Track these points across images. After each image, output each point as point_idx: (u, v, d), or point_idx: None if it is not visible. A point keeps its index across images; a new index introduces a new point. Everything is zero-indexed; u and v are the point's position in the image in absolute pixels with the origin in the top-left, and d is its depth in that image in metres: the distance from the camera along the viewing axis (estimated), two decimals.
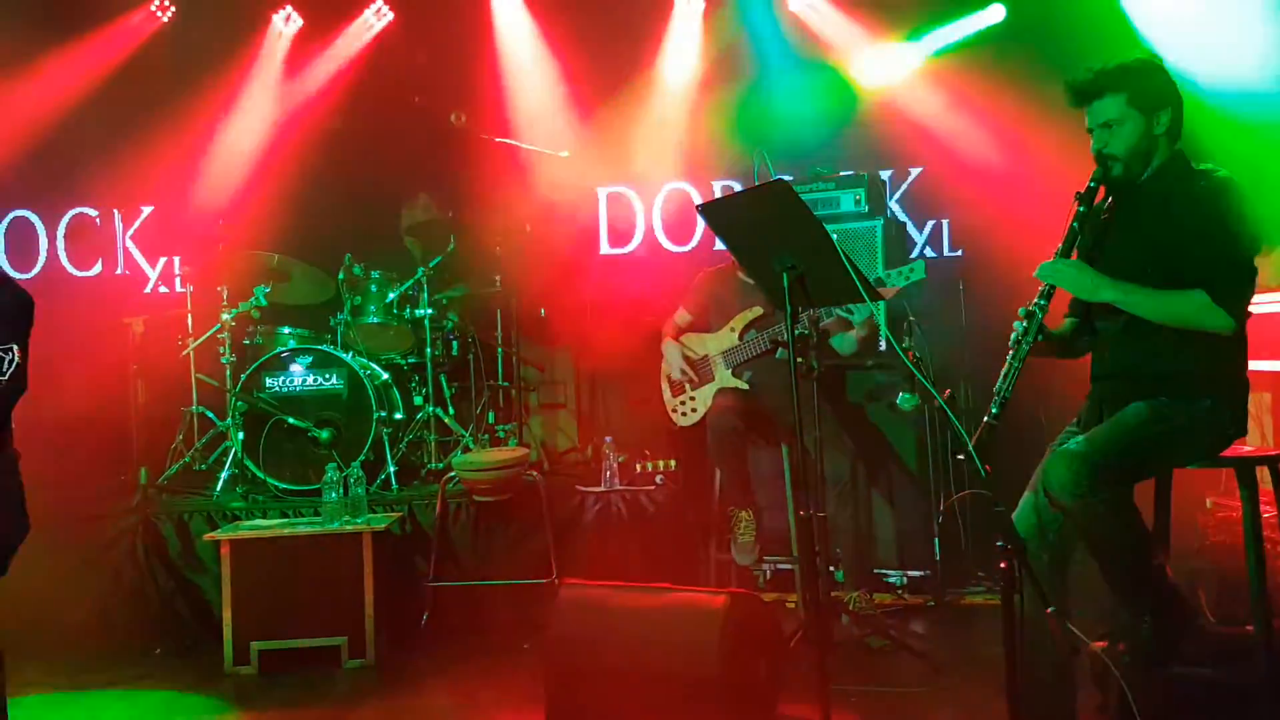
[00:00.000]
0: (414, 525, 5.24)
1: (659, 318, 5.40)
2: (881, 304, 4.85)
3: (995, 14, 6.55)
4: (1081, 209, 3.21)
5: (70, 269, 7.21)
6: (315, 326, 6.08)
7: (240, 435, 5.53)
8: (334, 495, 4.78)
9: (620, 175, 7.07)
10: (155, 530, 5.19)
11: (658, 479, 5.45)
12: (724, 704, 3.38)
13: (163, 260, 7.25)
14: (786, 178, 5.47)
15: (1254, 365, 3.28)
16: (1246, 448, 3.42)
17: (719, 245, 6.59)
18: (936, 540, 5.19)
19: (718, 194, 6.91)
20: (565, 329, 6.89)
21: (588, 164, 6.56)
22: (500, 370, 6.42)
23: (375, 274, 5.98)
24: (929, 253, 6.84)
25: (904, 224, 6.62)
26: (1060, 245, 3.22)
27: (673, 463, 5.59)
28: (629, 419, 6.66)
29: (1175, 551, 3.54)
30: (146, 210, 7.21)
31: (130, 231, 7.23)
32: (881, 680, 4.05)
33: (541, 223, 6.77)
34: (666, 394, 5.27)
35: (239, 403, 5.54)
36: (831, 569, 4.81)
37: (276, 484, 5.46)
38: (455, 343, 6.23)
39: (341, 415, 5.51)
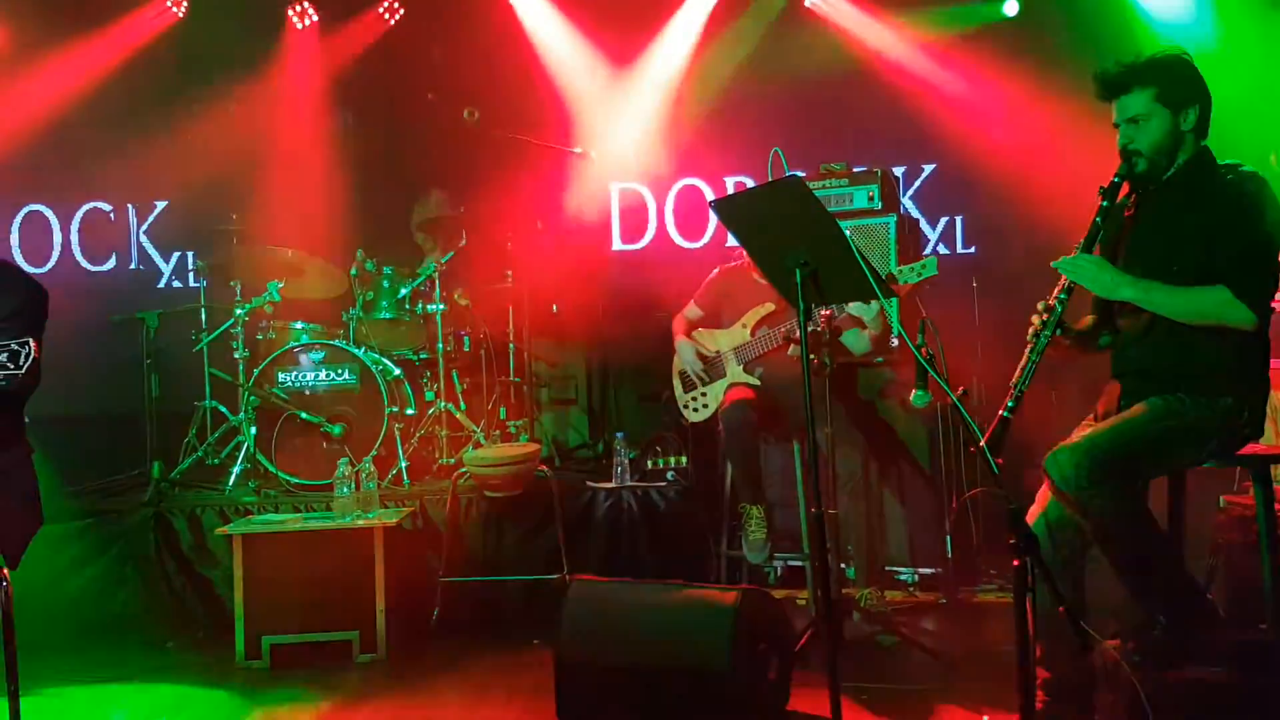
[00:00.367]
0: (425, 520, 5.25)
1: (670, 314, 5.40)
2: (894, 300, 4.84)
3: (1010, 7, 6.54)
4: (1105, 204, 3.19)
5: (84, 263, 7.25)
6: (328, 321, 6.09)
7: (253, 430, 5.54)
8: (346, 490, 4.79)
9: (632, 171, 7.07)
10: (168, 524, 5.21)
11: (669, 475, 5.45)
12: (734, 701, 3.37)
13: (176, 255, 7.27)
14: (800, 174, 5.46)
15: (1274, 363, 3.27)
16: (1258, 446, 3.40)
17: (731, 242, 6.59)
18: (948, 537, 5.17)
19: (730, 190, 6.90)
20: (577, 325, 6.90)
21: (600, 160, 6.56)
22: (512, 366, 6.42)
23: (387, 269, 5.99)
24: (942, 249, 6.83)
25: (917, 221, 6.60)
26: (1082, 240, 3.20)
27: (684, 459, 5.59)
28: (640, 415, 6.66)
29: (1189, 551, 3.53)
30: (160, 205, 7.24)
31: (144, 226, 7.26)
32: (892, 678, 4.04)
33: (553, 219, 6.78)
34: (678, 390, 5.26)
35: (252, 397, 5.55)
36: (843, 566, 4.80)
37: (289, 478, 5.47)
38: (467, 338, 6.23)
39: (354, 410, 5.52)
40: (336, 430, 5.44)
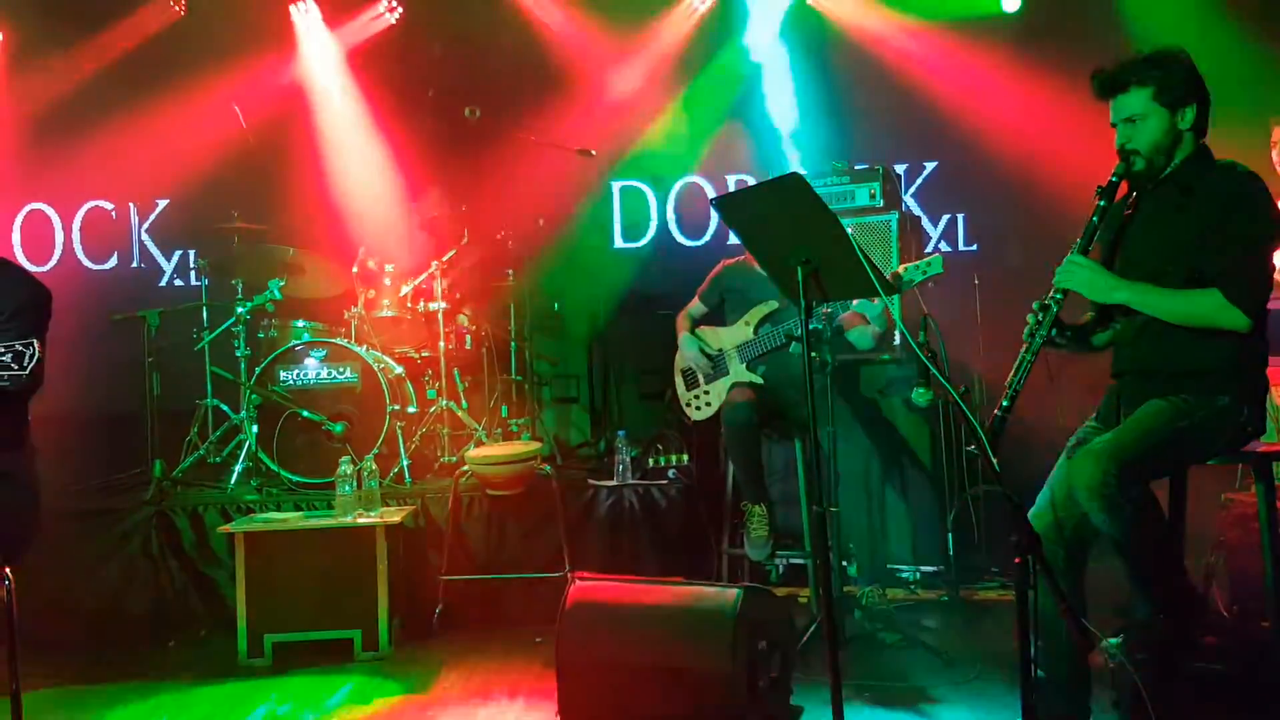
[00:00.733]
0: (427, 519, 5.25)
1: (672, 312, 5.40)
2: (896, 298, 4.84)
3: (1010, 3, 6.54)
4: (1102, 203, 3.19)
5: (86, 262, 7.25)
6: (329, 320, 6.09)
7: (254, 428, 5.54)
8: (347, 488, 4.79)
9: (634, 169, 7.07)
10: (170, 523, 5.21)
11: (670, 473, 5.45)
12: (736, 698, 3.37)
13: (178, 253, 7.28)
14: (801, 171, 5.46)
15: (1271, 362, 3.26)
16: (1261, 444, 3.40)
17: (733, 239, 6.59)
18: (950, 535, 5.18)
19: (732, 188, 6.90)
20: (578, 323, 6.90)
21: (602, 157, 6.56)
22: (513, 364, 6.42)
23: (389, 267, 5.99)
24: (944, 247, 6.83)
25: (919, 218, 6.60)
26: (1078, 240, 3.20)
27: (685, 457, 5.59)
28: (642, 413, 6.67)
29: (1190, 548, 3.53)
30: (162, 203, 7.24)
31: (145, 225, 7.27)
32: (894, 676, 4.04)
33: (555, 216, 6.78)
34: (680, 388, 5.26)
35: (253, 396, 5.55)
36: (844, 564, 4.80)
37: (290, 477, 5.47)
38: (468, 336, 6.23)
39: (355, 408, 5.52)
40: (338, 428, 5.44)
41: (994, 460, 2.69)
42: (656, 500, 5.31)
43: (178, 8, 7.05)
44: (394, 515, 4.82)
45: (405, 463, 5.61)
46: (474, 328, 6.23)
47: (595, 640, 3.61)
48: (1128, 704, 3.13)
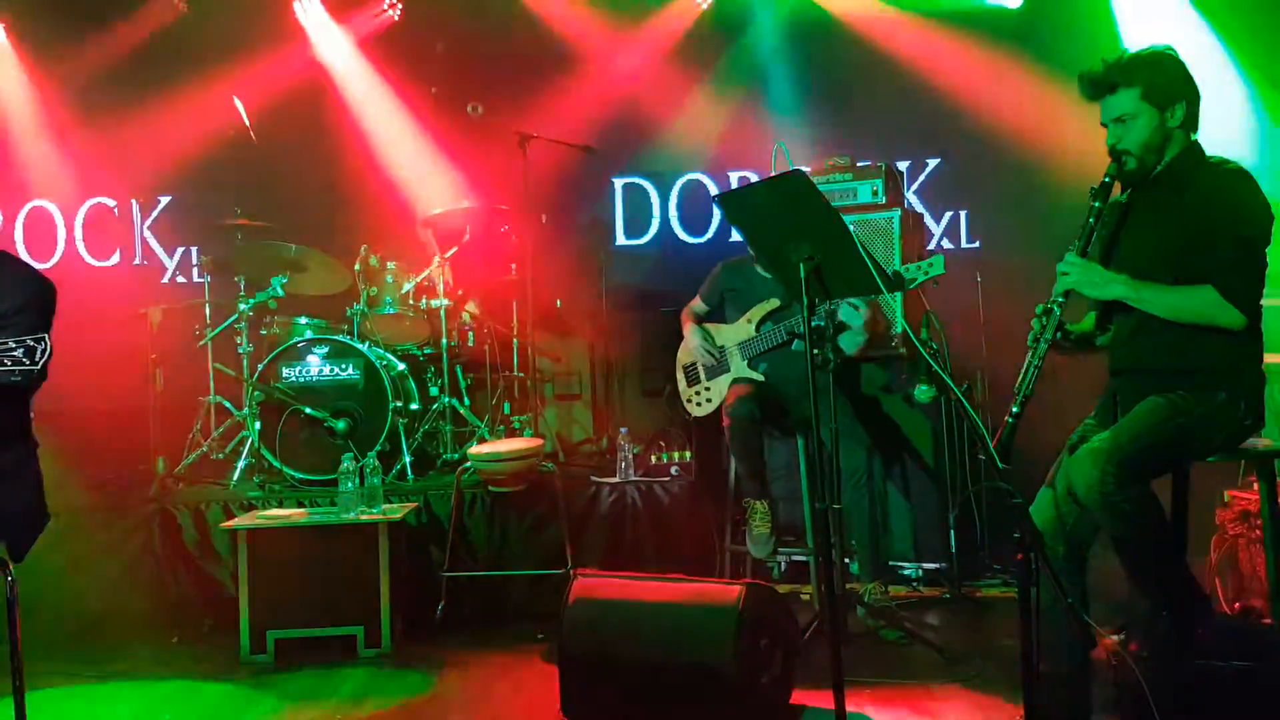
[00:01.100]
0: (429, 515, 5.26)
1: (675, 309, 5.40)
2: (898, 296, 4.84)
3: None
4: (1096, 204, 3.20)
5: (88, 259, 7.25)
6: (332, 317, 6.09)
7: (257, 425, 5.55)
8: (350, 485, 4.79)
9: (637, 165, 7.07)
10: (172, 519, 5.21)
11: (673, 470, 5.45)
12: (738, 695, 3.38)
13: (180, 250, 7.28)
14: (804, 168, 5.45)
15: (1271, 358, 3.26)
16: (1263, 441, 3.40)
17: (736, 236, 6.59)
18: (952, 532, 5.18)
19: (734, 185, 6.90)
20: (581, 320, 6.90)
21: (604, 154, 6.55)
22: (516, 361, 6.42)
23: (391, 264, 5.99)
24: (946, 244, 6.83)
25: (921, 215, 6.59)
26: (1075, 241, 3.21)
27: (688, 454, 5.59)
28: (644, 410, 6.66)
29: (1192, 545, 3.53)
30: (164, 200, 7.24)
31: (148, 221, 7.27)
32: (896, 673, 4.04)
33: (557, 213, 6.78)
34: (682, 385, 5.26)
35: (256, 392, 5.55)
36: (846, 561, 4.80)
37: (293, 473, 5.47)
38: (471, 333, 6.23)
39: (358, 405, 5.52)
40: (341, 425, 5.44)
41: (998, 460, 2.69)
42: (659, 497, 5.31)
43: (180, 4, 7.04)
44: (396, 512, 4.82)
45: (408, 459, 5.61)
46: (476, 325, 6.24)
47: (598, 637, 3.61)
48: (1130, 701, 3.13)
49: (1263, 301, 3.14)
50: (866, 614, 4.56)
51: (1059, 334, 3.20)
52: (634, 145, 6.98)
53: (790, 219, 3.18)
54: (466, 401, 6.18)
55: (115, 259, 7.27)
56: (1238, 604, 4.23)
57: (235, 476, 5.66)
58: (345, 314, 6.01)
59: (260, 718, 3.92)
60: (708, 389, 5.12)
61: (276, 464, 5.49)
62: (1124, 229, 3.33)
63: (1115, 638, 3.31)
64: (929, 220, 6.79)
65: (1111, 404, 3.32)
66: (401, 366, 5.90)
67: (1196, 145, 3.23)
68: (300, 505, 5.20)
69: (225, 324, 6.04)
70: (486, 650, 4.59)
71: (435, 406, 6.02)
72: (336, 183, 6.95)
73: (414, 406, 5.85)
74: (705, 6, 7.02)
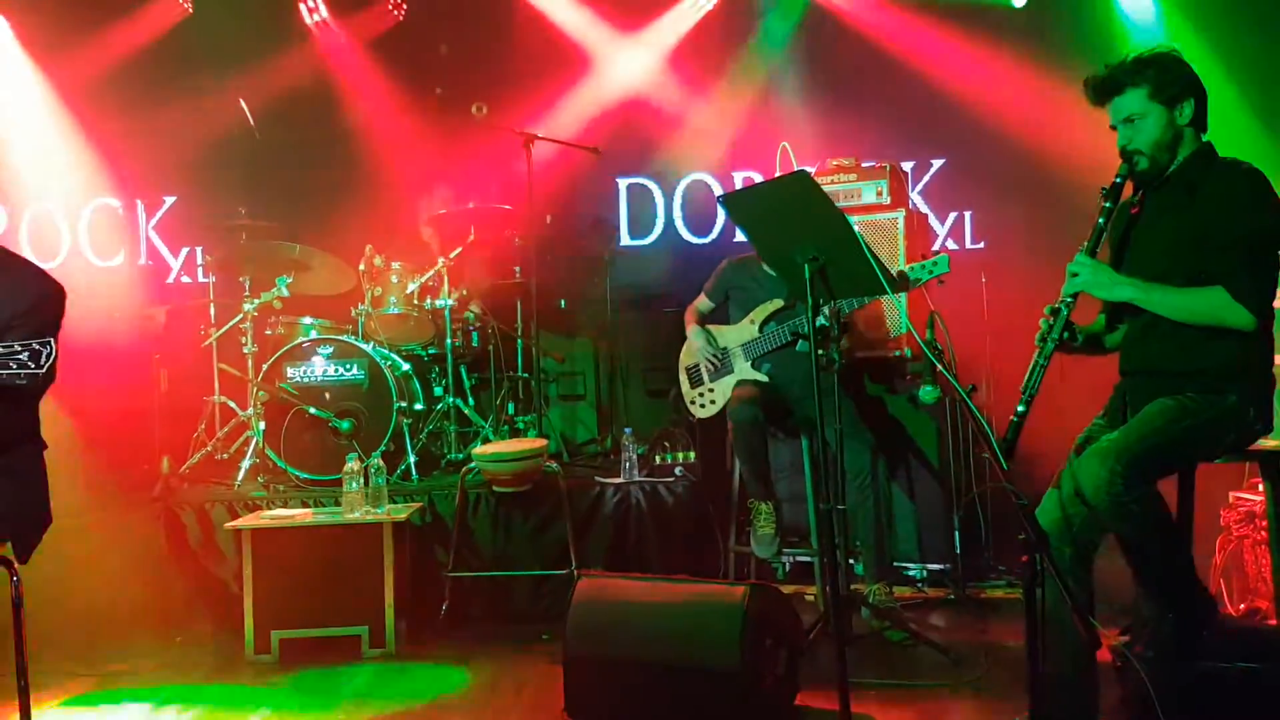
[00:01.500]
0: (434, 516, 5.26)
1: (679, 309, 5.40)
2: (903, 296, 4.84)
3: None
4: (1107, 205, 3.19)
5: (93, 259, 7.25)
6: (336, 317, 6.10)
7: (261, 425, 5.55)
8: (354, 485, 4.80)
9: (641, 166, 7.07)
10: (177, 519, 5.22)
11: (677, 470, 5.45)
12: (743, 696, 3.37)
13: (185, 250, 7.29)
14: (808, 169, 5.45)
15: None
16: (1270, 442, 3.40)
17: (740, 237, 6.58)
18: (957, 533, 5.18)
19: (739, 185, 6.90)
20: (585, 320, 6.90)
21: (608, 155, 6.55)
22: (520, 361, 6.42)
23: (396, 265, 5.99)
24: (951, 245, 6.82)
25: (926, 216, 6.59)
26: (1086, 242, 3.20)
27: (692, 454, 5.59)
28: (648, 410, 6.66)
29: (1198, 546, 3.52)
30: (169, 200, 7.25)
31: (153, 222, 7.27)
32: (901, 674, 4.04)
33: (561, 214, 6.78)
34: (685, 386, 5.26)
35: (260, 392, 5.56)
36: (851, 562, 4.80)
37: (297, 473, 5.48)
38: (475, 333, 6.23)
39: (362, 405, 5.52)
40: (345, 425, 5.44)
41: (1003, 461, 2.69)
42: (663, 498, 5.30)
43: (185, 4, 7.05)
44: (400, 512, 4.83)
45: (412, 460, 5.61)
46: (481, 325, 6.24)
47: (602, 638, 3.61)
48: (1135, 702, 3.12)
49: (1275, 303, 3.13)
50: (871, 615, 4.56)
51: (1066, 334, 3.20)
52: (638, 146, 6.97)
53: (795, 220, 3.18)
54: (471, 402, 6.18)
55: (120, 259, 7.27)
56: (1243, 605, 4.22)
57: (240, 477, 5.66)
58: (350, 314, 6.01)
59: (264, 718, 3.92)
60: (711, 390, 5.11)
61: (281, 464, 5.49)
62: (1136, 229, 3.32)
63: (1120, 639, 3.30)
64: (934, 221, 6.78)
65: (1121, 404, 3.31)
66: (406, 367, 5.90)
67: (1209, 146, 3.23)
68: (305, 505, 5.21)
69: (230, 324, 6.05)
70: (491, 651, 4.59)
71: (440, 407, 6.03)
72: (341, 183, 6.95)
73: (418, 407, 5.86)
74: (711, 7, 7.01)
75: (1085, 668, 3.15)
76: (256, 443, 5.62)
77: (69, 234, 7.24)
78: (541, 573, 5.07)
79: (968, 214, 6.85)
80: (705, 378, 5.14)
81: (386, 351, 5.81)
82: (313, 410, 5.46)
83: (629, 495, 5.31)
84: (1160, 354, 3.20)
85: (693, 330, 5.18)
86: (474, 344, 6.25)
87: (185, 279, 7.27)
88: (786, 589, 5.05)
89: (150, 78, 6.95)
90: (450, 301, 5.94)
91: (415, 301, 5.95)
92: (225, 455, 6.00)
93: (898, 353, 5.31)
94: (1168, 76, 3.17)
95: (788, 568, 5.36)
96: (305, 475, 5.47)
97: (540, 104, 6.89)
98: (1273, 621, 3.37)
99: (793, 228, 3.17)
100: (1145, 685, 3.00)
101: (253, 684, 4.29)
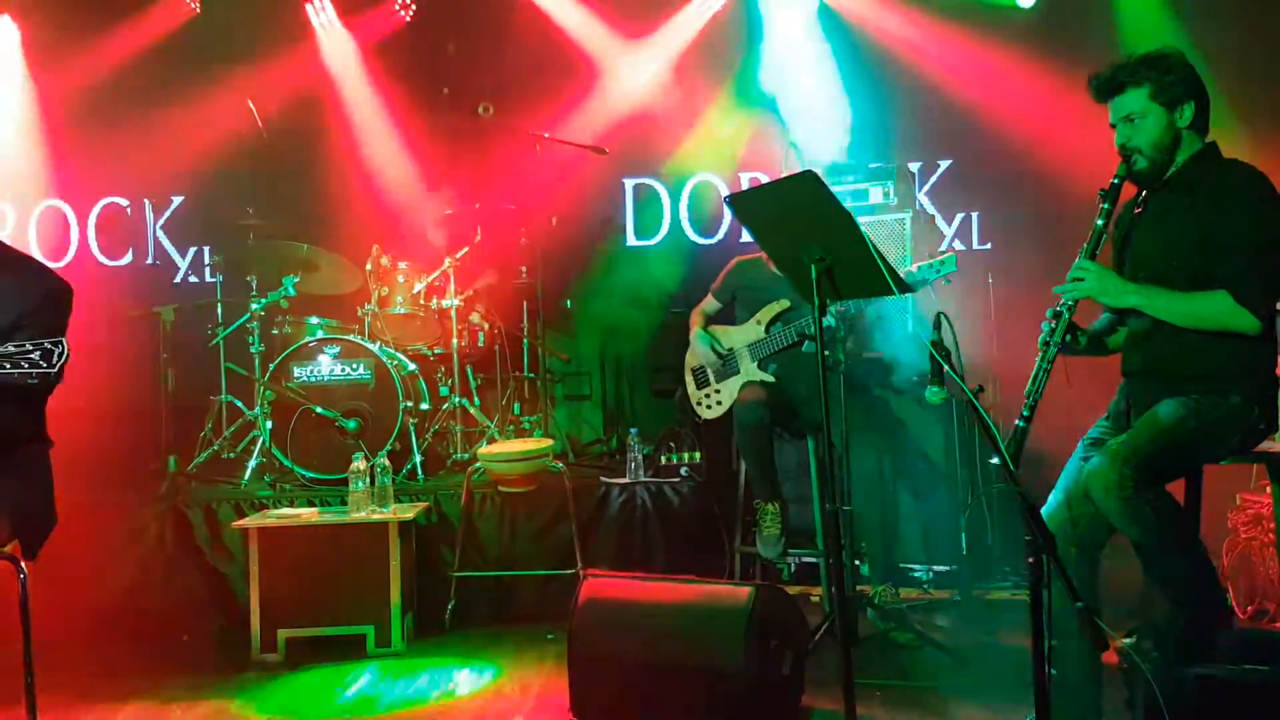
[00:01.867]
0: (440, 515, 5.26)
1: (685, 310, 5.40)
2: (911, 296, 4.83)
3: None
4: (1106, 206, 3.19)
5: (101, 258, 7.27)
6: (343, 317, 6.11)
7: (268, 424, 5.56)
8: (360, 485, 4.80)
9: (647, 166, 7.07)
10: (183, 518, 5.22)
11: (683, 471, 5.45)
12: (748, 697, 3.37)
13: (192, 250, 7.30)
14: (815, 169, 5.44)
15: None
16: (1277, 444, 3.39)
17: (746, 237, 6.58)
18: (963, 535, 5.17)
19: (745, 186, 6.89)
20: (591, 320, 6.90)
21: (615, 155, 6.56)
22: (526, 361, 6.43)
23: (402, 265, 6.00)
24: (958, 245, 6.81)
25: (933, 216, 6.59)
26: (1085, 244, 3.19)
27: (697, 455, 5.59)
28: (654, 410, 6.67)
29: (1205, 548, 3.51)
30: (177, 200, 7.26)
31: (160, 221, 7.29)
32: (906, 675, 4.04)
33: (568, 214, 6.79)
34: (691, 387, 5.26)
35: (267, 392, 5.57)
36: (857, 563, 4.79)
37: (304, 473, 5.48)
38: (481, 333, 6.24)
39: (368, 405, 5.53)
40: (351, 425, 5.45)
41: (1013, 469, 2.68)
42: (669, 498, 5.31)
43: (193, 4, 7.06)
44: (407, 512, 4.83)
45: (418, 459, 5.62)
46: (487, 325, 6.24)
47: (607, 638, 3.61)
48: (1141, 704, 3.11)
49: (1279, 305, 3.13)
50: (877, 616, 4.55)
51: (1069, 337, 3.19)
52: (645, 146, 6.98)
53: (801, 220, 3.17)
54: (477, 401, 6.18)
55: (128, 258, 7.29)
56: (1250, 607, 4.21)
57: (246, 475, 5.67)
58: (356, 314, 6.02)
59: (270, 716, 3.92)
60: (718, 391, 5.11)
61: (287, 463, 5.50)
62: (1138, 229, 3.31)
63: (1127, 641, 3.29)
64: (940, 222, 6.78)
65: (1125, 406, 3.31)
66: (412, 366, 5.91)
67: (1213, 147, 3.21)
68: (311, 504, 5.21)
69: (237, 323, 6.06)
70: (496, 650, 4.59)
71: (445, 406, 6.03)
72: (348, 182, 6.96)
73: (424, 406, 5.86)
74: (718, 8, 7.01)
75: (1091, 670, 3.15)
76: (263, 442, 5.63)
77: (77, 232, 7.25)
78: (547, 573, 5.07)
79: (974, 215, 6.84)
80: (711, 378, 5.13)
81: (393, 351, 5.82)
82: (319, 409, 5.46)
83: (634, 495, 5.32)
84: (1164, 355, 3.19)
85: (695, 333, 5.17)
86: (480, 344, 6.26)
87: (193, 278, 7.29)
88: (792, 590, 5.05)
89: (158, 77, 6.96)
90: (457, 301, 5.94)
91: (422, 301, 5.96)
92: (232, 454, 6.00)
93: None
94: (1170, 78, 3.17)
95: (793, 569, 5.35)
96: (311, 474, 5.48)
97: (547, 104, 6.90)
98: (1279, 624, 3.36)
99: (799, 228, 3.17)
100: (1152, 688, 2.99)
101: (259, 682, 4.30)
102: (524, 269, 6.36)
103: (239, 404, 6.12)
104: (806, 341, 4.81)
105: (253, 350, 5.94)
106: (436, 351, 6.16)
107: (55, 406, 3.38)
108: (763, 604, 3.47)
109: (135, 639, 4.86)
